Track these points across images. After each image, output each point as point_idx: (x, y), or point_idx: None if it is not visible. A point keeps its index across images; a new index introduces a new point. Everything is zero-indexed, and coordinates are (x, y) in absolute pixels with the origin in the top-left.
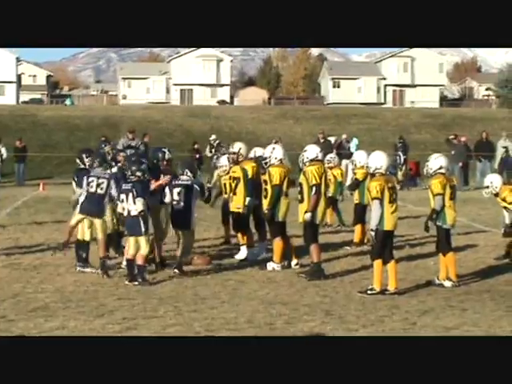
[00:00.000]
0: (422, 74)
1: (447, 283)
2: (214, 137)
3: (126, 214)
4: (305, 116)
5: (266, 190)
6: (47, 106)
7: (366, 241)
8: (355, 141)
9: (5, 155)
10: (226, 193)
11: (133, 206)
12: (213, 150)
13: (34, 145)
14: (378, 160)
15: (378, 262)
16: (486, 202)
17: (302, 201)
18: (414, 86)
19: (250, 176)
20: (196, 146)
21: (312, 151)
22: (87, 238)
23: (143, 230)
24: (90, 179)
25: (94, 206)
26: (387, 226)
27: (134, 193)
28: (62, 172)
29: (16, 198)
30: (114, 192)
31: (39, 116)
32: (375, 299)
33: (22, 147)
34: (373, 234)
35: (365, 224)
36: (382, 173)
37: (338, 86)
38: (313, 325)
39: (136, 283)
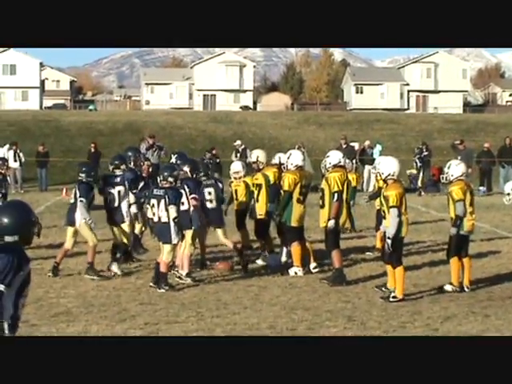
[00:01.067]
0: (445, 79)
1: (448, 287)
2: (238, 142)
3: (156, 219)
4: (328, 121)
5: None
6: (70, 111)
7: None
8: (379, 147)
9: (23, 159)
10: (236, 199)
11: (164, 212)
12: (238, 155)
13: (56, 150)
14: (390, 166)
15: (399, 269)
16: (510, 209)
17: (323, 206)
18: (438, 91)
19: (271, 182)
20: (214, 152)
21: (335, 157)
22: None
23: (173, 237)
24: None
25: (70, 215)
26: (404, 232)
27: (167, 199)
28: None
29: (39, 204)
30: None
31: (62, 121)
32: (397, 305)
33: (45, 152)
34: (389, 242)
35: None
36: (395, 179)
37: (361, 92)
38: (335, 330)
39: (162, 290)
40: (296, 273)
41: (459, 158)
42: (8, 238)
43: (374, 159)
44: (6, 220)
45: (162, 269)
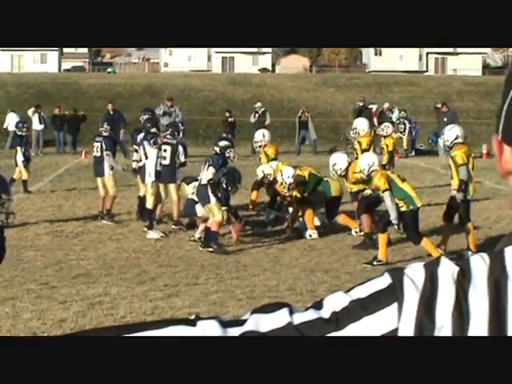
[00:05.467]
0: None
1: (468, 254)
2: (259, 104)
3: (198, 183)
4: (346, 84)
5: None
6: (89, 73)
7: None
8: (396, 112)
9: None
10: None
11: (204, 175)
12: (256, 117)
13: None
14: (369, 159)
15: (424, 241)
16: None
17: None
18: (457, 53)
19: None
20: (227, 114)
21: (364, 126)
22: (149, 206)
23: (212, 197)
24: (94, 144)
25: (98, 166)
26: (418, 203)
27: (210, 162)
28: None
29: (58, 166)
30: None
31: (81, 84)
32: None
33: (62, 115)
34: (397, 225)
35: None
36: (377, 169)
37: (380, 54)
38: None
39: (210, 249)
40: (311, 235)
41: (445, 120)
42: None
43: (392, 122)
44: None
45: (213, 228)
